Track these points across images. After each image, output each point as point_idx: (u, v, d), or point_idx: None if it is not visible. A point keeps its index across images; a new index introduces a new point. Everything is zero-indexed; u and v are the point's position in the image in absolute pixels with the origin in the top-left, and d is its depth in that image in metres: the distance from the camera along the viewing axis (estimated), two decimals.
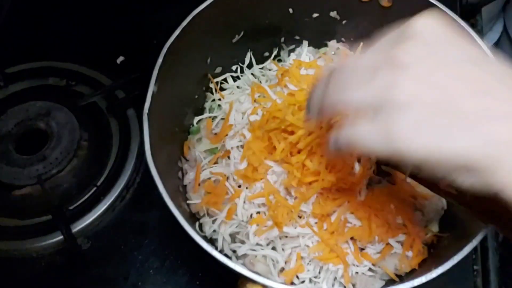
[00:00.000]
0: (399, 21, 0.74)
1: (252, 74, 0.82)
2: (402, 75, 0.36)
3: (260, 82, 0.81)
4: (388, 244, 0.65)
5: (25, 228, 0.74)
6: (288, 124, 0.64)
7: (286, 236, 0.65)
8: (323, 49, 0.84)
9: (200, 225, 0.68)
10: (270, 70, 0.83)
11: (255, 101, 0.76)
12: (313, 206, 0.65)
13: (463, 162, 0.35)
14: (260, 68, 0.83)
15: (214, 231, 0.67)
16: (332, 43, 0.83)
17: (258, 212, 0.67)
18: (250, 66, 0.83)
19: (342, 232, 0.65)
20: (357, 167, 0.66)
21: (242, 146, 0.71)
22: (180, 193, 0.69)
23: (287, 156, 0.65)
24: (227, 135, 0.73)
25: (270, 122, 0.68)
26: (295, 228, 0.65)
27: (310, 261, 0.65)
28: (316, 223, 0.66)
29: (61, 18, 1.00)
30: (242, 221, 0.66)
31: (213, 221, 0.67)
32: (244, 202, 0.67)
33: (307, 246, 0.65)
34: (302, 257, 0.65)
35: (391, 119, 0.36)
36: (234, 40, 0.78)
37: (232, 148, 0.71)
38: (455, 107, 0.35)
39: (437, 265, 0.52)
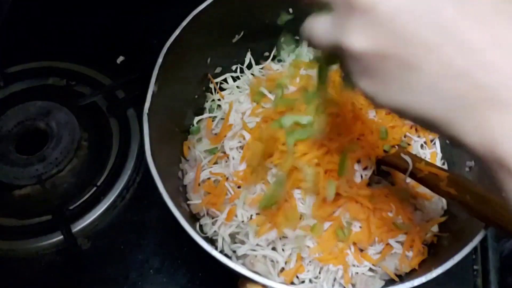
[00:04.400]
0: None
1: (252, 74, 0.82)
2: None
3: None
4: (388, 244, 0.65)
5: (25, 228, 0.74)
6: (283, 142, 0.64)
7: (286, 237, 0.65)
8: None
9: (200, 226, 0.68)
10: (270, 70, 0.83)
11: (255, 101, 0.76)
12: (313, 207, 0.65)
13: (427, 117, 0.33)
14: (260, 68, 0.83)
15: (215, 231, 0.67)
16: None
17: (258, 213, 0.67)
18: (250, 66, 0.83)
19: (341, 238, 0.65)
20: (358, 176, 0.66)
21: (241, 147, 0.71)
22: (180, 193, 0.69)
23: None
24: (226, 135, 0.73)
25: (269, 124, 0.68)
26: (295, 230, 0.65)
27: (310, 261, 0.65)
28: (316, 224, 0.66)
29: (61, 18, 1.00)
30: (242, 221, 0.66)
31: (213, 223, 0.67)
32: (244, 203, 0.67)
33: (308, 246, 0.65)
34: (302, 258, 0.65)
35: (347, 20, 0.33)
36: (234, 40, 0.78)
37: (231, 149, 0.71)
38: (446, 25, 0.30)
39: (437, 265, 0.52)
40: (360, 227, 0.65)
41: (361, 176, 0.68)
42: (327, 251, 0.63)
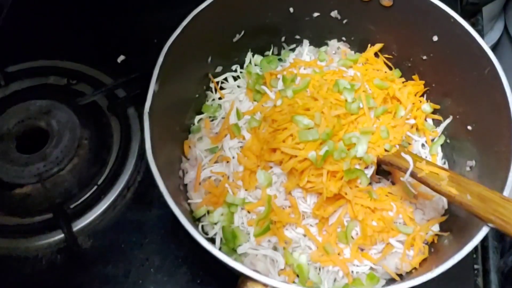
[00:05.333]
0: (399, 20, 0.75)
1: (249, 72, 0.82)
2: None
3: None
4: (388, 243, 0.65)
5: (26, 226, 0.74)
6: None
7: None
8: (323, 48, 0.84)
9: (202, 226, 0.68)
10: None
11: (255, 100, 0.76)
12: (314, 207, 0.65)
13: None
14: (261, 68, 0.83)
15: (216, 233, 0.67)
16: (333, 42, 0.83)
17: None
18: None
19: (342, 238, 0.65)
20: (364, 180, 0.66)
21: (242, 147, 0.71)
22: (180, 192, 0.69)
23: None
24: (226, 135, 0.73)
25: (269, 123, 0.68)
26: (295, 228, 0.65)
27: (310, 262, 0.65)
28: (316, 223, 0.66)
29: (61, 17, 1.00)
30: (242, 223, 0.66)
31: (214, 224, 0.67)
32: (242, 208, 0.67)
33: (308, 246, 0.65)
34: None
35: None
36: (234, 40, 0.78)
37: (230, 148, 0.71)
38: None
39: (437, 264, 0.52)
40: (361, 227, 0.65)
41: None
42: (327, 253, 0.64)
